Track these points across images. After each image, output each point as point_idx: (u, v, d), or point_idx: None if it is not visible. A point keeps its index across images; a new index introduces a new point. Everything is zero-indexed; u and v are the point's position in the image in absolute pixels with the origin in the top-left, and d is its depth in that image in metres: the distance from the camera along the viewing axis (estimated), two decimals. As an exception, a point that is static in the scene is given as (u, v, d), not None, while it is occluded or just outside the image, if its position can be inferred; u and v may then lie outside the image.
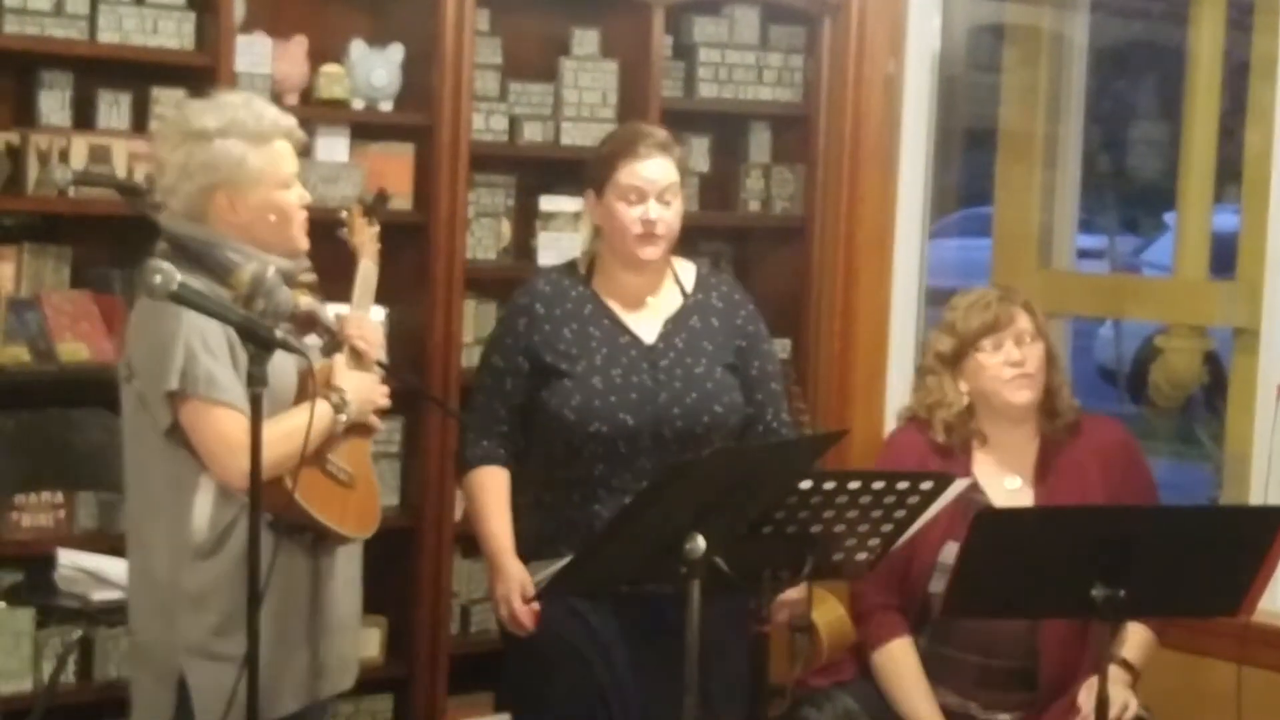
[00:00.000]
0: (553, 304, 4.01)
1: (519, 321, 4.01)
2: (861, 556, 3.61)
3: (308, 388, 3.55)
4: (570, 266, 4.12)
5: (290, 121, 3.64)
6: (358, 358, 3.65)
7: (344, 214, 3.92)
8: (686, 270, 4.13)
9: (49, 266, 4.62)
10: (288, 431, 3.43)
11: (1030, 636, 4.08)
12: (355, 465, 3.63)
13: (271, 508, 3.42)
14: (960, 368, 4.18)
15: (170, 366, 3.43)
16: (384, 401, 3.70)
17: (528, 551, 3.96)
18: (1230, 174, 5.81)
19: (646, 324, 4.03)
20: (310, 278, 3.70)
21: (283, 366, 3.48)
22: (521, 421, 4.01)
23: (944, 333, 4.22)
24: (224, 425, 3.44)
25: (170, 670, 3.56)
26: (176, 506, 3.52)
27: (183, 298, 3.29)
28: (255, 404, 3.28)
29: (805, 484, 3.41)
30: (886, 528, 3.57)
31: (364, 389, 3.63)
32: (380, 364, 3.72)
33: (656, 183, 3.96)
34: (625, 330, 4.01)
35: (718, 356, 4.04)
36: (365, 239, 3.87)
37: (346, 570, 3.71)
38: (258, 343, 3.30)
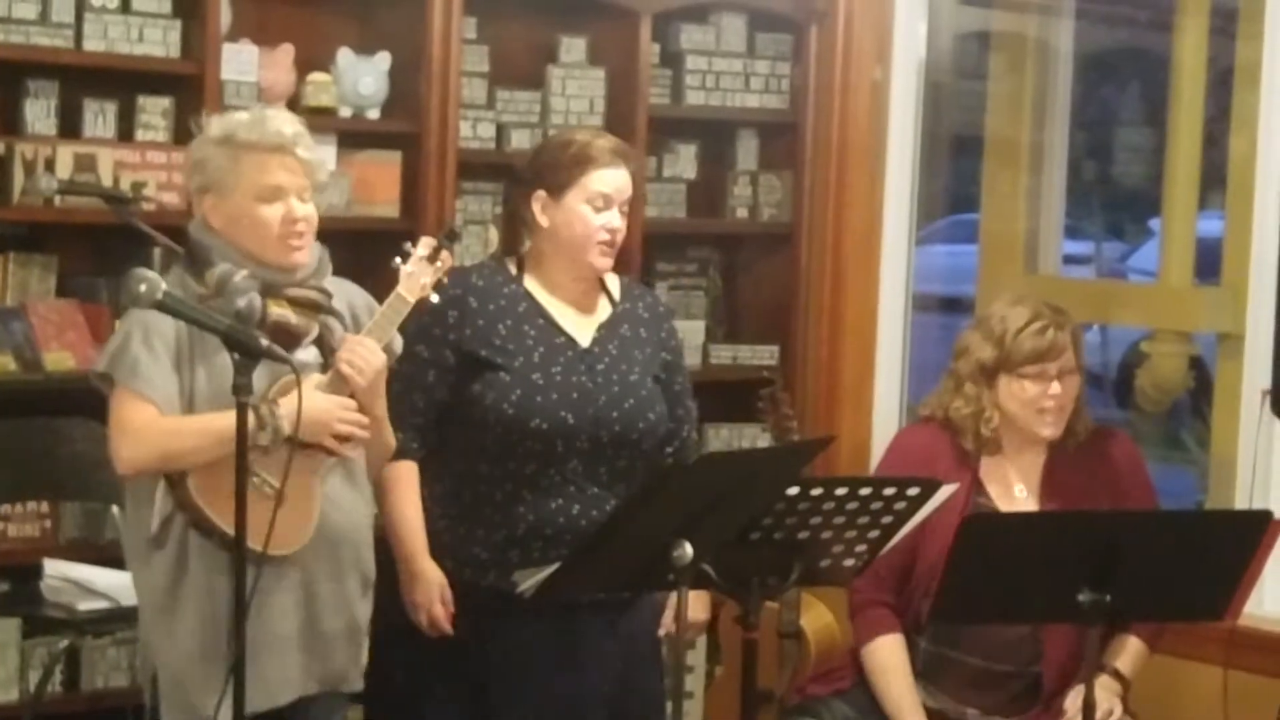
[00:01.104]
0: (486, 299, 3.94)
1: (450, 313, 3.90)
2: (849, 563, 3.61)
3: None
4: (499, 263, 4.04)
5: (281, 140, 3.60)
6: (340, 380, 3.59)
7: (409, 244, 3.73)
8: (611, 279, 4.10)
9: (35, 276, 4.62)
10: (197, 428, 3.48)
11: (1034, 641, 4.07)
12: (292, 483, 3.47)
13: (179, 504, 3.50)
14: (995, 381, 4.10)
15: (106, 351, 3.57)
16: (342, 428, 3.57)
17: (438, 549, 3.90)
18: (1215, 180, 5.82)
19: (580, 327, 3.99)
20: (302, 293, 3.63)
21: (228, 366, 3.45)
22: (437, 416, 3.95)
23: (988, 341, 4.09)
24: (127, 411, 3.50)
25: (147, 664, 3.68)
26: (141, 499, 3.59)
27: (168, 306, 3.32)
28: (241, 412, 3.28)
29: (793, 490, 3.41)
30: (873, 534, 3.57)
31: (317, 411, 3.50)
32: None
33: (623, 192, 3.95)
34: (560, 331, 3.97)
35: (648, 367, 4.03)
36: (417, 272, 3.67)
37: (302, 588, 3.62)
38: (243, 351, 3.30)
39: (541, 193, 3.94)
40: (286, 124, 3.65)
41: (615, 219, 3.93)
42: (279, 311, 3.58)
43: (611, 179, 3.93)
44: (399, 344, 3.72)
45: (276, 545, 3.43)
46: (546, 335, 3.96)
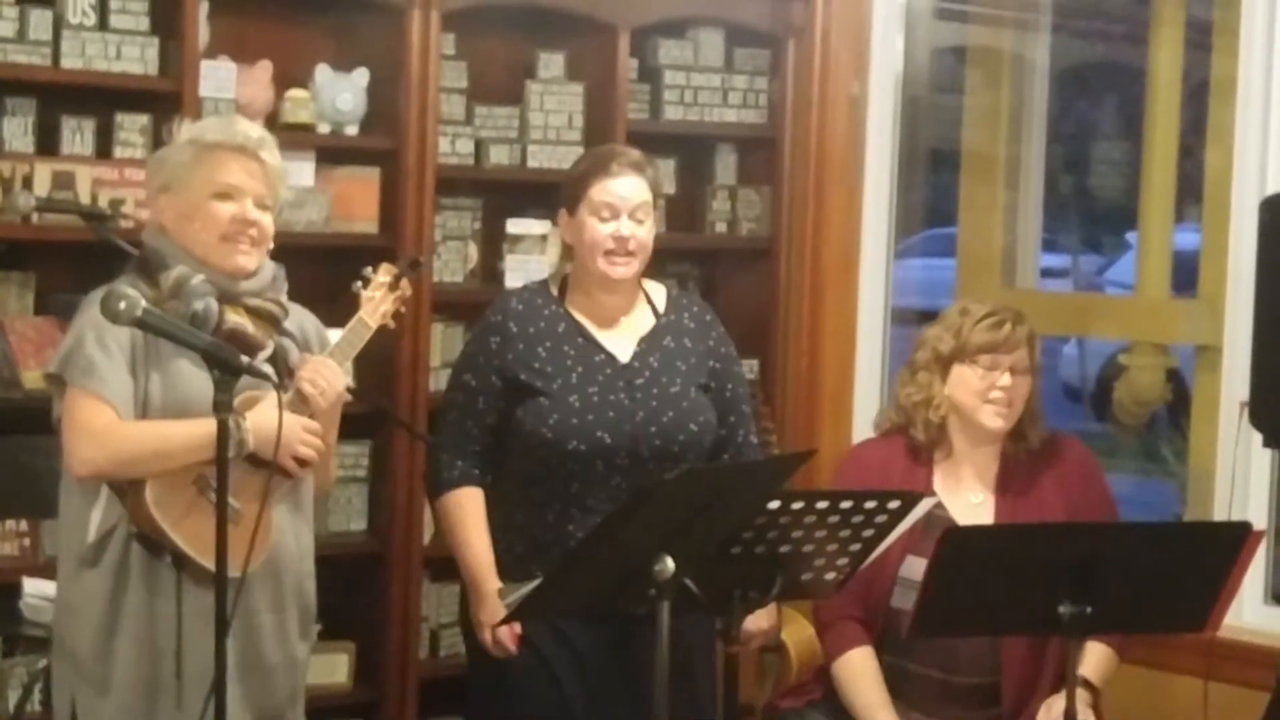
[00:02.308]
0: (526, 322, 4.01)
1: (492, 339, 4.00)
2: (830, 576, 3.62)
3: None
4: (542, 285, 4.13)
5: (245, 139, 3.61)
6: (303, 401, 3.57)
7: (370, 270, 3.76)
8: (658, 291, 4.15)
9: (13, 293, 4.61)
10: (160, 434, 3.45)
11: (992, 653, 4.09)
12: (248, 505, 3.45)
13: (133, 515, 3.45)
14: (948, 372, 4.17)
15: (59, 352, 3.51)
16: (305, 451, 3.56)
17: (501, 572, 3.95)
18: (1191, 193, 5.84)
19: (620, 343, 4.04)
20: (260, 304, 3.62)
21: (199, 381, 3.45)
22: (494, 441, 4.01)
23: (948, 333, 4.18)
24: (83, 413, 3.45)
25: (66, 694, 3.55)
26: (79, 510, 3.53)
27: (148, 324, 3.30)
28: (221, 429, 3.26)
29: (773, 504, 3.42)
30: (854, 547, 3.58)
31: (284, 429, 3.45)
32: (349, 388, 3.69)
33: (629, 200, 3.98)
34: (600, 349, 4.02)
35: (691, 376, 4.06)
36: (378, 299, 3.71)
37: (240, 617, 3.50)
38: (223, 368, 3.29)
39: (563, 211, 4.05)
40: (253, 129, 3.66)
41: (624, 227, 3.97)
42: (236, 319, 3.56)
43: (615, 188, 3.98)
44: (349, 379, 3.71)
45: (235, 566, 3.36)
46: (586, 354, 4.00)
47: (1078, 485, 4.20)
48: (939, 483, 4.18)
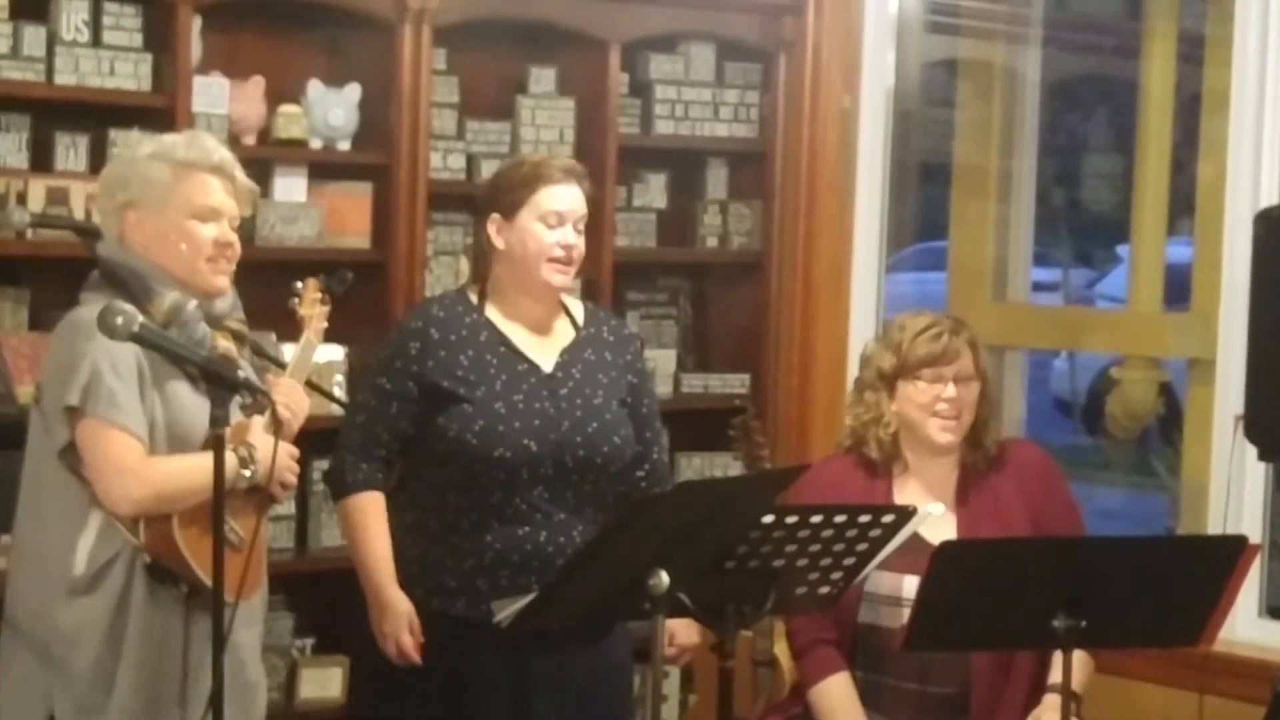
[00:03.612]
0: (447, 330, 3.94)
1: (411, 345, 3.92)
2: (824, 590, 3.62)
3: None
4: (460, 293, 4.06)
5: (221, 159, 3.58)
6: (278, 425, 3.54)
7: (299, 285, 3.81)
8: (576, 305, 4.12)
9: (7, 309, 4.61)
10: (187, 469, 3.41)
11: (963, 662, 4.08)
12: (247, 531, 3.48)
13: (152, 546, 3.41)
14: (894, 389, 4.15)
15: (74, 382, 3.41)
16: (290, 478, 3.58)
17: (408, 579, 3.91)
18: (1183, 206, 5.85)
19: (543, 353, 4.00)
20: (236, 325, 3.62)
21: (196, 406, 3.46)
22: (401, 448, 3.97)
23: (888, 349, 4.17)
24: (116, 447, 3.40)
25: (40, 710, 3.50)
26: (61, 538, 3.47)
27: (144, 339, 3.29)
28: (218, 444, 3.25)
29: (768, 519, 3.42)
30: (849, 561, 3.58)
31: (282, 455, 3.51)
32: (336, 400, 3.70)
33: (575, 210, 3.95)
34: (523, 358, 3.97)
35: (612, 390, 4.03)
36: (313, 314, 3.78)
37: (243, 641, 3.57)
38: (220, 384, 3.28)
39: (496, 215, 3.96)
40: (221, 147, 3.63)
41: (569, 236, 3.93)
42: (224, 344, 3.56)
43: (563, 195, 3.94)
44: (342, 394, 3.73)
45: (234, 593, 3.35)
46: (508, 363, 3.96)
47: (1039, 492, 4.18)
48: (899, 497, 4.15)
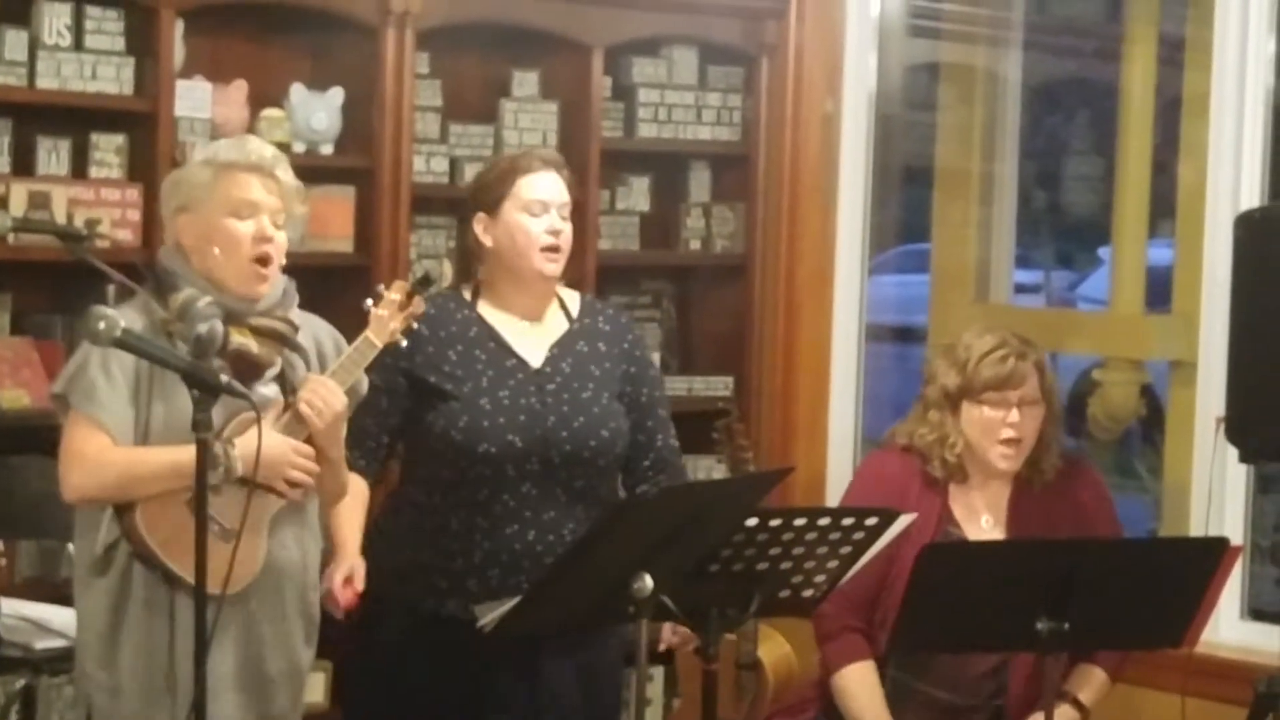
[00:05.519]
0: (437, 325, 3.96)
1: (400, 340, 3.92)
2: (808, 593, 3.62)
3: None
4: (455, 291, 4.08)
5: (260, 157, 3.61)
6: (299, 421, 3.55)
7: (382, 286, 3.69)
8: (572, 297, 4.12)
9: (-11, 314, 4.61)
10: (142, 460, 3.47)
11: (1000, 677, 4.08)
12: (240, 522, 3.42)
13: (124, 534, 3.48)
14: (959, 408, 4.13)
15: (64, 374, 3.54)
16: (295, 474, 3.54)
17: (400, 580, 3.92)
18: (1164, 208, 5.85)
19: (533, 348, 4.00)
20: (268, 322, 3.60)
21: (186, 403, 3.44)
22: (390, 441, 3.98)
23: (953, 368, 4.14)
24: (78, 437, 3.48)
25: (83, 695, 3.63)
26: (91, 520, 3.57)
27: (127, 344, 3.29)
28: (201, 449, 3.24)
29: (751, 522, 3.42)
30: (832, 564, 3.58)
31: (274, 452, 3.46)
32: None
33: (558, 196, 3.96)
34: (511, 353, 3.98)
35: (604, 383, 4.02)
36: (387, 317, 3.63)
37: (242, 627, 3.58)
38: (202, 388, 3.27)
39: (481, 214, 3.98)
40: (266, 147, 3.68)
41: (555, 222, 3.94)
42: (241, 340, 3.55)
43: (543, 183, 3.95)
44: (364, 386, 3.70)
45: (214, 583, 3.32)
46: (497, 359, 3.96)
47: (1089, 520, 4.18)
48: (954, 505, 4.16)
